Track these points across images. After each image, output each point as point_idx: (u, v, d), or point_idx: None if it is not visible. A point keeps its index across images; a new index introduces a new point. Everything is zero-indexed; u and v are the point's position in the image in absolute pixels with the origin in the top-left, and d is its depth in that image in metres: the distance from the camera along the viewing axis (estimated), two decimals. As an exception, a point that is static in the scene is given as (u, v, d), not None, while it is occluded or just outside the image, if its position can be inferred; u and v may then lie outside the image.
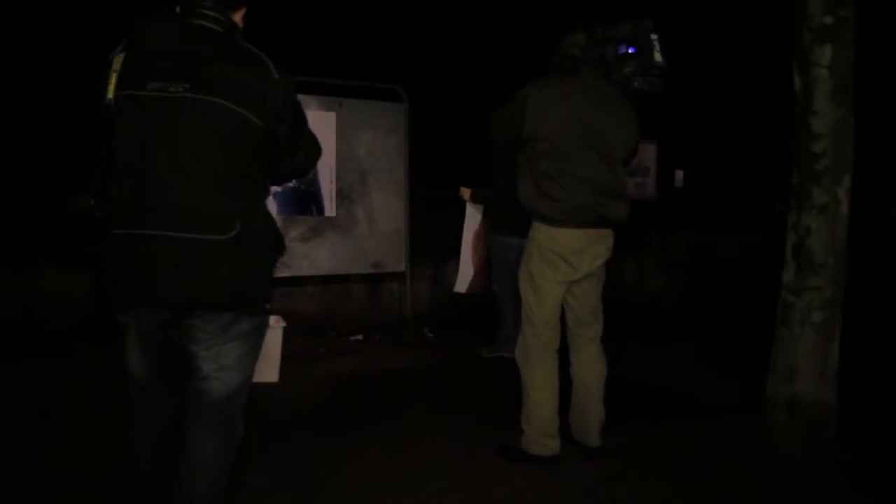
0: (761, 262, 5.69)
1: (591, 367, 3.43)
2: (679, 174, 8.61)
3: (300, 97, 2.28)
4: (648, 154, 8.25)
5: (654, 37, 3.13)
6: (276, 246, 2.26)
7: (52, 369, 4.63)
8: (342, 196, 5.87)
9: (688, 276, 8.32)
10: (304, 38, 5.87)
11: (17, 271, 5.36)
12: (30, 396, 4.13)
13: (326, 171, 5.71)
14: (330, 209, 5.81)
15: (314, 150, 2.39)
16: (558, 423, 3.36)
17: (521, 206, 3.34)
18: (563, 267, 3.24)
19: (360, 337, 5.95)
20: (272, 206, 5.22)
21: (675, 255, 8.55)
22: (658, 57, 3.13)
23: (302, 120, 2.27)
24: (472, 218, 5.65)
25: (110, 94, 2.06)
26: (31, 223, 5.06)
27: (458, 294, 5.78)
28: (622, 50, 3.16)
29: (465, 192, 5.54)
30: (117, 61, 2.08)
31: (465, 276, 5.71)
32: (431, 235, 6.41)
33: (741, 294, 7.15)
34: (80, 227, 2.27)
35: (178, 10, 2.10)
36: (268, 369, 4.47)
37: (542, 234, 3.25)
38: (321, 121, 5.51)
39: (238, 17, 2.20)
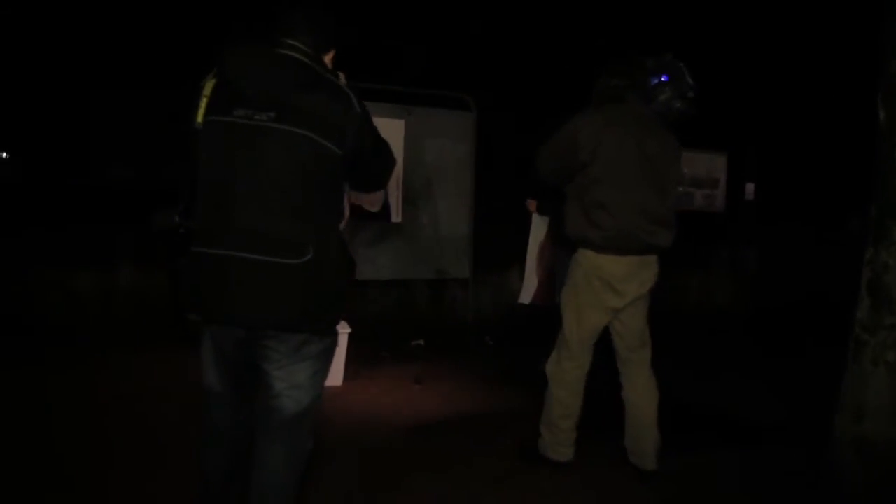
0: (833, 277, 5.54)
1: (643, 392, 3.44)
2: (750, 187, 8.41)
3: (369, 104, 2.31)
4: (719, 165, 8.07)
5: (681, 64, 3.31)
6: (348, 270, 2.31)
7: (132, 365, 4.86)
8: (408, 202, 5.93)
9: (757, 291, 8.13)
10: (374, 47, 5.96)
11: (101, 270, 5.63)
12: (109, 388, 4.35)
13: (393, 177, 5.68)
14: (396, 215, 5.87)
15: (389, 164, 2.47)
16: (575, 435, 3.45)
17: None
18: (609, 294, 3.26)
19: (421, 342, 6.01)
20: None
21: (744, 268, 8.36)
22: (690, 79, 3.29)
23: (379, 146, 2.33)
24: (538, 229, 5.62)
25: (199, 118, 2.15)
26: (114, 224, 5.30)
27: (521, 303, 5.80)
28: (655, 80, 3.29)
29: (532, 204, 5.52)
30: (208, 87, 2.16)
31: (529, 287, 5.70)
32: (496, 244, 6.43)
33: (810, 310, 6.96)
34: (165, 242, 2.39)
35: (267, 40, 2.18)
36: (332, 374, 4.54)
37: (589, 261, 3.27)
38: (390, 128, 5.55)
39: (328, 59, 2.28)
